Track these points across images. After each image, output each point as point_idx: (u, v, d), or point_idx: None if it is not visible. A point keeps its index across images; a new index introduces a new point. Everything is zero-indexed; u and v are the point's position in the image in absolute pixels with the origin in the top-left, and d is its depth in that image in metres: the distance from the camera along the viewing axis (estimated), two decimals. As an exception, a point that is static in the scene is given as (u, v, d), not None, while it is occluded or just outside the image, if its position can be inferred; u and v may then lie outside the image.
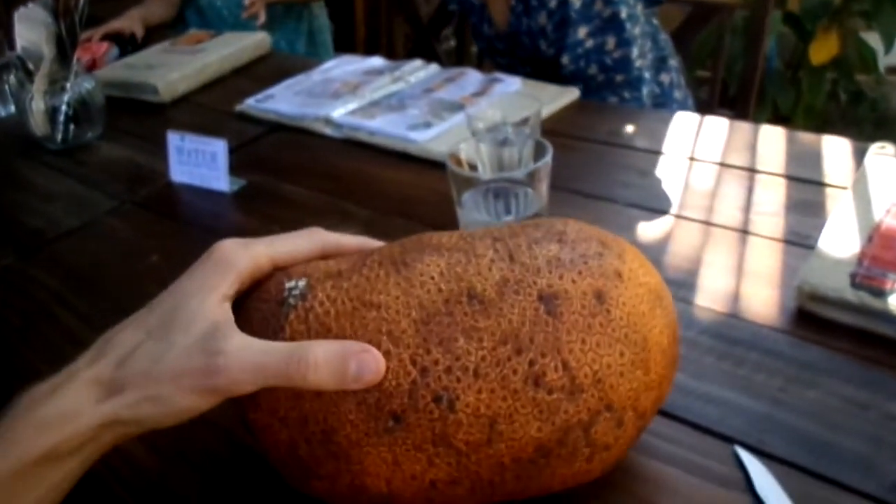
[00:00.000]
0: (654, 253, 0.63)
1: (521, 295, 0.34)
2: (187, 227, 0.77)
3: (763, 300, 0.56)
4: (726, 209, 0.68)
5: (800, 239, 0.62)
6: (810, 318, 0.53)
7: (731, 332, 0.52)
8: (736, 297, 0.56)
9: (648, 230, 0.67)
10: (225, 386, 0.33)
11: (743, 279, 0.58)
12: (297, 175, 0.84)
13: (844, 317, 0.52)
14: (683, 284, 0.58)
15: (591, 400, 0.34)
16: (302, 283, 0.36)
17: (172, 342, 0.34)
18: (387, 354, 0.34)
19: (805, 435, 0.44)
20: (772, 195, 0.70)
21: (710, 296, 0.57)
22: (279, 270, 0.39)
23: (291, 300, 0.36)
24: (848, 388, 0.47)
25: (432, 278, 0.35)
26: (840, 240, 0.56)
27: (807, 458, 0.42)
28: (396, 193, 0.78)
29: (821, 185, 0.70)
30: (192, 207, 0.81)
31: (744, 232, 0.65)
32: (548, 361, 0.34)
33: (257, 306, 0.37)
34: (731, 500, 0.40)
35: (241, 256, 0.37)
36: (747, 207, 0.68)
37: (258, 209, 0.78)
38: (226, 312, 0.36)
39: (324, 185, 0.81)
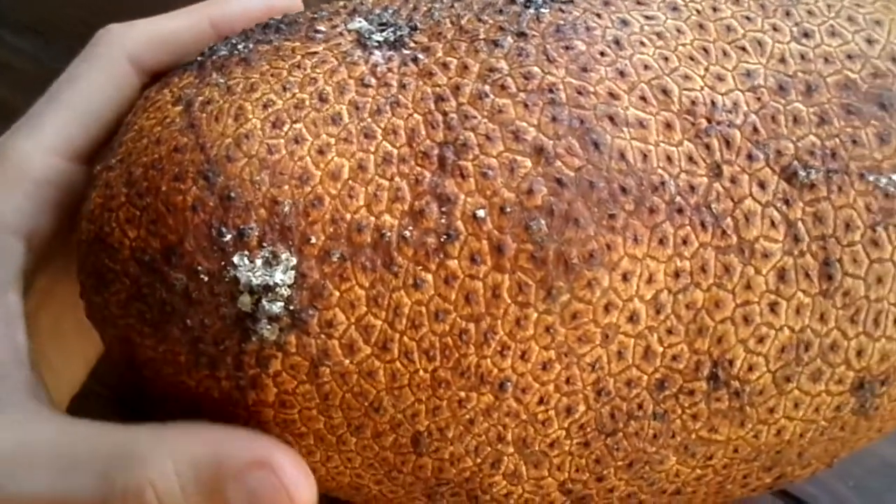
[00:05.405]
0: None
1: (823, 381, 0.18)
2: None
3: None
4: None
5: None
6: None
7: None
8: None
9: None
10: None
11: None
12: None
13: None
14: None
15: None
16: (286, 265, 0.16)
17: None
18: (513, 476, 0.18)
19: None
20: None
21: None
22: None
23: (265, 327, 0.16)
24: None
25: (632, 317, 0.17)
26: None
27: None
28: None
29: None
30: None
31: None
32: (807, 472, 0.20)
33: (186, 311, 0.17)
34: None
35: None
36: None
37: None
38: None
39: None
